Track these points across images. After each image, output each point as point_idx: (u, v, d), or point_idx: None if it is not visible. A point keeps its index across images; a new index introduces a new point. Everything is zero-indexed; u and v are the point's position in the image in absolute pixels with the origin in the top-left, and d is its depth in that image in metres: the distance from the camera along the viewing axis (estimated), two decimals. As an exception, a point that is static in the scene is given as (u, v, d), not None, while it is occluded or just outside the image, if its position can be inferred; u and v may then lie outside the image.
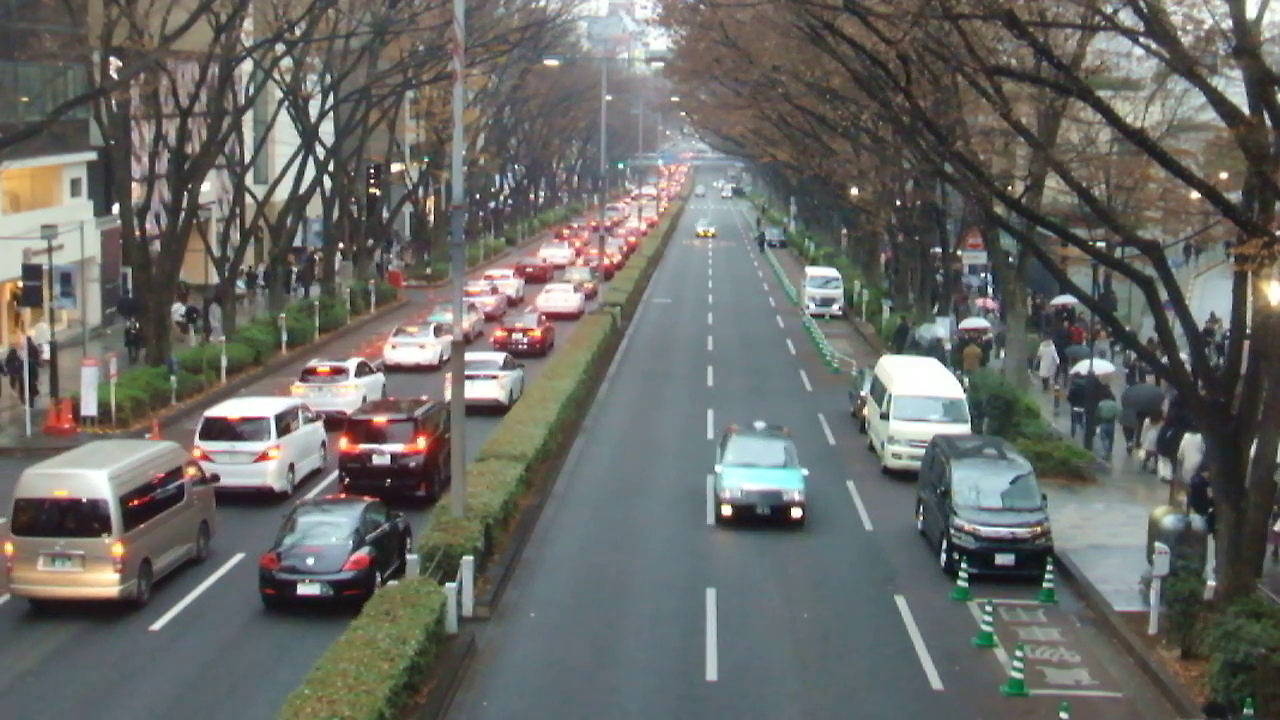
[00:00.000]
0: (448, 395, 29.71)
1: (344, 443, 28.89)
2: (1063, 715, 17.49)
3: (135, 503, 22.20)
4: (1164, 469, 30.94)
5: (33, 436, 33.45)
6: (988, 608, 21.71)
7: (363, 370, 37.35)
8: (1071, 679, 20.11)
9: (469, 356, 35.14)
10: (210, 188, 53.27)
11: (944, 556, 24.73)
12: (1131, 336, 26.80)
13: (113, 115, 38.95)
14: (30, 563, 21.45)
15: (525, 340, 47.29)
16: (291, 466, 29.23)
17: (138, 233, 40.00)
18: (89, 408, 33.40)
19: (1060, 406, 38.58)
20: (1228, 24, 18.54)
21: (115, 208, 44.60)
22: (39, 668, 19.91)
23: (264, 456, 28.20)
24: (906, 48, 22.18)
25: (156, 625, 21.52)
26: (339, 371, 36.42)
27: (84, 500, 21.62)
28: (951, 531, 24.46)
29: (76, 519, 21.63)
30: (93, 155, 47.30)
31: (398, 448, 28.45)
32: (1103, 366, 35.29)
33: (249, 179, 50.78)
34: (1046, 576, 23.63)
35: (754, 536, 26.96)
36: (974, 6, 19.81)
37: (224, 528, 25.89)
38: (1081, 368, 35.27)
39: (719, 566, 25.00)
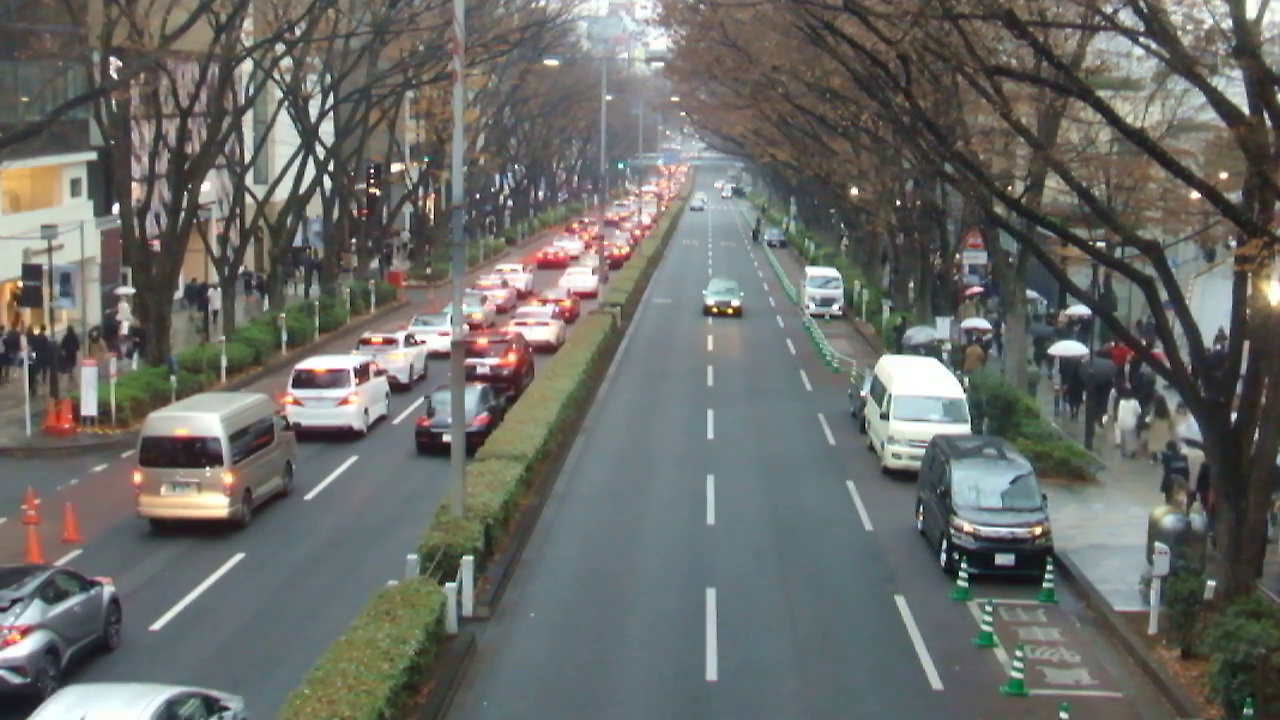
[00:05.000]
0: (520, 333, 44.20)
1: None
2: (1063, 715, 17.50)
3: (240, 441, 26.45)
4: (1117, 434, 34.55)
5: (32, 436, 33.49)
6: (988, 608, 21.70)
7: (409, 342, 43.64)
8: (1071, 679, 20.10)
9: (526, 309, 54.59)
10: (210, 188, 53.23)
11: (944, 556, 24.73)
12: (1132, 337, 26.80)
13: (113, 115, 38.91)
14: (154, 490, 25.77)
15: (558, 309, 55.74)
16: (366, 410, 34.84)
17: (138, 233, 39.99)
18: (89, 408, 33.39)
19: (1060, 406, 38.78)
20: (1228, 24, 18.53)
21: (115, 208, 44.59)
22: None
23: (345, 401, 34.18)
24: (906, 48, 22.14)
25: (156, 626, 21.52)
26: (390, 342, 42.83)
27: (200, 438, 25.91)
28: (951, 531, 24.45)
29: (194, 453, 25.89)
30: (93, 155, 47.26)
31: (494, 361, 39.57)
32: (1076, 348, 37.48)
33: (249, 179, 50.77)
34: (1046, 576, 23.62)
35: (754, 536, 26.99)
36: (974, 6, 19.80)
37: (226, 530, 26.06)
38: (1059, 349, 37.71)
39: (719, 566, 24.98)
